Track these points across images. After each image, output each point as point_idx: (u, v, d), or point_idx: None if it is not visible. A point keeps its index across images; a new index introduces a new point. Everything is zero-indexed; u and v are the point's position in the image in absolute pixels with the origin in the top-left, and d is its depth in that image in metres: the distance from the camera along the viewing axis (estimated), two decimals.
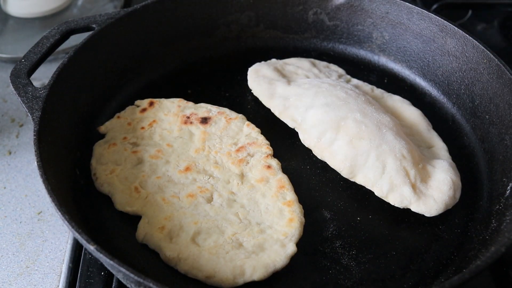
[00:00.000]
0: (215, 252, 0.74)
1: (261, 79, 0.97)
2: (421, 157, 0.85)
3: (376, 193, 0.83)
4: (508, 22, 1.28)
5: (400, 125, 0.90)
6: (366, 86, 1.00)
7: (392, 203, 0.82)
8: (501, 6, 1.27)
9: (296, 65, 1.02)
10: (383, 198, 0.83)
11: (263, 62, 1.03)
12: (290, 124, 0.92)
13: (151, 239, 0.77)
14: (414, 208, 0.81)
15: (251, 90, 0.98)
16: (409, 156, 0.83)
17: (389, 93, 0.99)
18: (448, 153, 0.90)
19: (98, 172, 0.85)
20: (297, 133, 0.93)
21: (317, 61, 1.05)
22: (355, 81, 1.01)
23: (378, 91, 0.99)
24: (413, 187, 0.81)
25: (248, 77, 0.99)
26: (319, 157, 0.89)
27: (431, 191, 0.82)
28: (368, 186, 0.84)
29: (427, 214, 0.81)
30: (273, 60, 1.04)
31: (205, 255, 0.74)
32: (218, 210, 0.79)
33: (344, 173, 0.85)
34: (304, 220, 0.79)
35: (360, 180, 0.84)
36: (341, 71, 1.04)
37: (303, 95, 0.92)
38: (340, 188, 0.87)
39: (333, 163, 0.86)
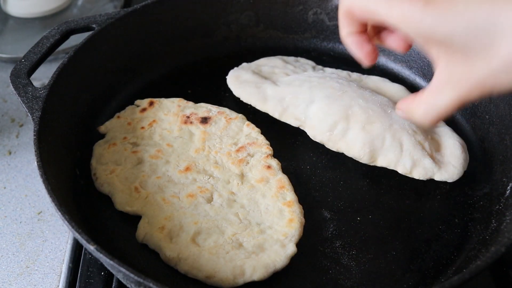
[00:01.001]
0: (215, 252, 0.74)
1: (245, 85, 0.97)
2: (425, 129, 0.89)
3: (400, 171, 0.85)
4: None
5: (394, 102, 0.92)
6: (342, 72, 1.01)
7: (416, 177, 0.85)
8: None
9: (269, 65, 1.02)
10: (407, 175, 0.85)
11: (236, 68, 1.02)
12: (294, 124, 0.92)
13: (151, 239, 0.77)
14: (437, 177, 0.85)
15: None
16: (418, 130, 0.87)
17: (365, 75, 1.00)
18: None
19: (98, 172, 0.85)
20: (297, 133, 0.93)
21: (285, 57, 1.05)
22: (329, 69, 1.02)
23: (356, 75, 1.00)
24: (432, 158, 0.85)
25: (231, 86, 0.98)
26: (334, 149, 0.89)
27: (447, 158, 0.86)
28: (391, 167, 0.86)
29: (450, 180, 0.85)
30: (244, 64, 1.03)
31: (205, 255, 0.74)
32: (218, 210, 0.80)
33: (365, 160, 0.86)
34: (304, 220, 0.79)
35: (381, 162, 0.86)
36: (311, 62, 1.05)
37: (298, 92, 0.92)
38: (340, 188, 0.87)
39: (351, 152, 0.87)
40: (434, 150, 0.87)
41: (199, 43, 1.09)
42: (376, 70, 1.06)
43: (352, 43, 0.69)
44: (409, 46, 0.68)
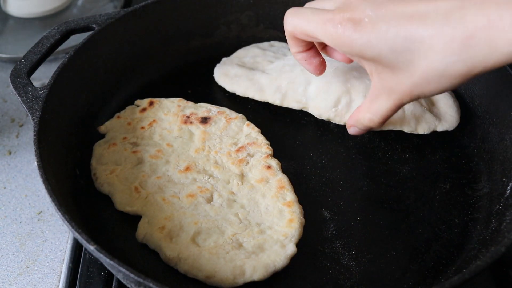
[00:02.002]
0: (215, 252, 0.74)
1: (237, 80, 0.98)
2: None
3: (406, 131, 0.90)
4: None
5: None
6: None
7: (421, 132, 0.90)
8: None
9: (249, 55, 1.03)
10: (412, 132, 0.90)
11: (219, 64, 1.03)
12: (296, 107, 0.95)
13: (151, 239, 0.77)
14: (439, 128, 0.90)
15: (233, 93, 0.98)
16: None
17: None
18: None
19: (98, 172, 0.85)
20: (297, 132, 0.93)
21: (260, 44, 1.07)
22: None
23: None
24: (431, 111, 0.90)
25: (223, 84, 0.99)
26: (341, 123, 0.92)
27: (442, 109, 0.91)
28: (397, 128, 0.90)
29: (451, 128, 0.91)
30: (224, 59, 1.04)
31: (205, 255, 0.74)
32: (218, 210, 0.80)
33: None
34: (304, 220, 0.79)
35: (388, 126, 0.90)
36: (285, 44, 1.06)
37: (293, 77, 0.94)
38: (340, 188, 0.87)
39: None
40: (429, 104, 0.91)
41: (199, 43, 1.09)
42: None
43: (301, 60, 0.80)
44: (351, 60, 0.77)
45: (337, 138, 0.94)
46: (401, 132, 0.94)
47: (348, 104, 0.90)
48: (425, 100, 0.92)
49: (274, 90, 0.95)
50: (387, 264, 0.78)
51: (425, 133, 0.90)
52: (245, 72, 0.99)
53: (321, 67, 0.82)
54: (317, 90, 0.92)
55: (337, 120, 0.92)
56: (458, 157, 0.92)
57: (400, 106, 0.68)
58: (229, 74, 0.99)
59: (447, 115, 0.91)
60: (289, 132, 0.94)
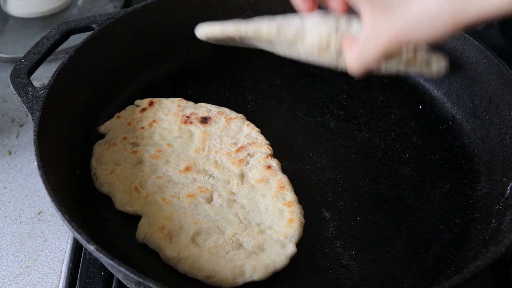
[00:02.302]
0: (215, 252, 0.74)
1: (226, 24, 0.88)
2: None
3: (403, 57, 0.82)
4: (508, 22, 1.28)
5: None
6: None
7: (418, 62, 0.81)
8: None
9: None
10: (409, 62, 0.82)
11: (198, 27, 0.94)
12: (294, 35, 0.84)
13: (151, 239, 0.77)
14: (435, 66, 0.83)
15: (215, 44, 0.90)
16: None
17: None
18: None
19: (98, 172, 0.85)
20: (297, 132, 0.93)
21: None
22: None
23: None
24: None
25: (207, 31, 0.88)
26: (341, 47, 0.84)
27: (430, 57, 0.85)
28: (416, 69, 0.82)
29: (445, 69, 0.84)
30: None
31: (205, 255, 0.74)
32: (218, 210, 0.79)
33: None
34: (304, 220, 0.79)
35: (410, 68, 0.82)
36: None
37: (285, 18, 0.86)
38: (340, 188, 0.87)
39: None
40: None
41: (199, 43, 1.08)
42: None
43: None
44: (347, 7, 0.76)
45: (337, 138, 0.94)
46: (401, 132, 0.94)
47: (348, 24, 0.81)
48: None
49: (268, 24, 0.85)
50: (387, 264, 0.78)
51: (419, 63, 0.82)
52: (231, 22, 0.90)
53: (312, 2, 0.79)
54: (314, 22, 0.83)
55: (338, 44, 0.82)
56: (458, 157, 0.92)
57: (385, 53, 0.66)
58: (214, 25, 0.88)
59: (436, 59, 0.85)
60: (289, 132, 0.94)
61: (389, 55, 0.67)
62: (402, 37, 0.63)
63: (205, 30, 0.89)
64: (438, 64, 0.87)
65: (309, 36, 0.84)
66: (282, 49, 0.88)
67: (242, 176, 0.85)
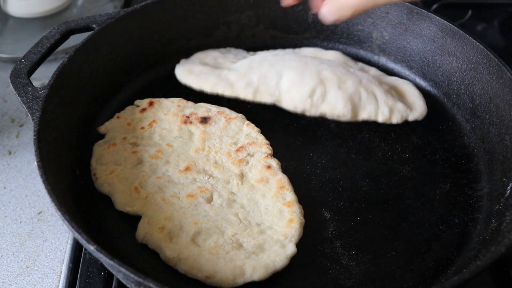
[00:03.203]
0: (215, 252, 0.74)
1: (203, 76, 0.97)
2: (383, 81, 0.97)
3: (380, 120, 0.93)
4: (508, 22, 1.28)
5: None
6: (276, 51, 1.04)
7: (395, 122, 0.93)
8: (501, 6, 1.27)
9: (209, 57, 1.03)
10: (385, 122, 0.92)
11: (179, 64, 1.01)
12: (269, 100, 0.95)
13: (151, 239, 0.77)
14: (411, 117, 0.95)
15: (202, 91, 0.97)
16: (381, 81, 0.95)
17: (298, 48, 1.05)
18: (380, 71, 1.02)
19: (98, 172, 0.85)
20: (297, 132, 0.93)
21: (217, 49, 1.06)
22: (263, 52, 1.05)
23: (290, 50, 1.05)
24: (402, 101, 0.93)
25: (187, 81, 0.98)
26: (316, 114, 0.93)
27: (410, 99, 0.95)
28: (372, 118, 0.92)
29: (421, 118, 0.94)
30: (183, 60, 1.03)
31: (205, 255, 0.74)
32: (218, 210, 0.79)
33: (348, 116, 0.92)
34: (304, 220, 0.79)
35: (363, 116, 0.92)
36: (242, 50, 1.07)
37: (263, 71, 0.95)
38: (340, 188, 0.87)
39: (336, 112, 0.92)
40: (398, 95, 0.95)
41: (199, 43, 1.09)
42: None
43: None
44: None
45: (337, 138, 0.94)
46: (401, 132, 0.94)
47: (323, 95, 0.92)
48: (394, 92, 0.94)
49: (245, 85, 0.95)
50: (387, 264, 0.78)
51: (398, 122, 0.92)
52: (211, 69, 0.98)
53: None
54: (291, 82, 0.93)
55: (313, 111, 0.93)
56: (458, 157, 0.92)
57: (362, 7, 0.71)
58: (193, 71, 0.98)
59: (416, 105, 0.94)
60: (289, 132, 0.94)
61: (365, 8, 0.72)
62: None
63: (184, 78, 0.98)
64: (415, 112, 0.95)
65: (284, 101, 0.94)
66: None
67: (242, 176, 0.85)
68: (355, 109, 0.92)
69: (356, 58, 1.07)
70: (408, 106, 0.94)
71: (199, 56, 1.04)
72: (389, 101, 0.92)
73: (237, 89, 0.95)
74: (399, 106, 0.93)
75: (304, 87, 0.92)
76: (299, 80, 0.92)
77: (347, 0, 0.72)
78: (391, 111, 0.92)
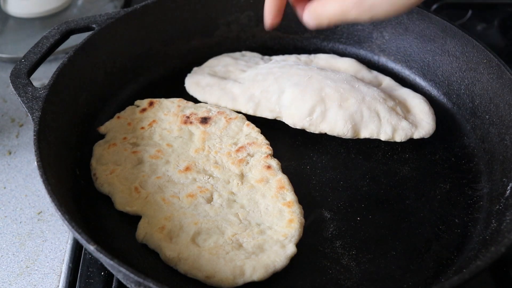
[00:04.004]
0: (215, 252, 0.74)
1: (209, 89, 0.97)
2: (389, 94, 0.94)
3: (382, 139, 0.90)
4: (508, 22, 1.28)
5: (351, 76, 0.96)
6: (291, 57, 1.03)
7: (398, 140, 0.90)
8: (501, 6, 1.27)
9: (220, 64, 1.03)
10: (389, 140, 0.90)
11: (189, 74, 1.02)
12: (270, 116, 0.93)
13: (151, 239, 0.77)
14: (416, 136, 0.90)
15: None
16: (387, 96, 0.92)
17: (313, 55, 1.04)
18: (394, 81, 0.99)
19: (98, 172, 0.85)
20: (297, 133, 0.93)
21: (231, 54, 1.06)
22: (277, 57, 1.04)
23: (304, 56, 1.03)
24: (407, 119, 0.90)
25: (194, 93, 0.98)
26: (316, 132, 0.91)
27: (418, 116, 0.92)
28: (374, 136, 0.90)
29: (427, 135, 0.91)
30: (195, 68, 1.03)
31: (205, 255, 0.74)
32: (218, 210, 0.79)
33: (349, 135, 0.90)
34: (304, 221, 0.79)
35: (364, 134, 0.90)
36: (257, 54, 1.06)
37: (266, 85, 0.94)
38: (340, 188, 0.87)
39: (336, 131, 0.90)
40: (405, 112, 0.92)
41: (199, 43, 1.09)
42: (376, 70, 1.06)
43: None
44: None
45: (337, 138, 0.94)
46: None
47: (323, 113, 0.90)
48: (401, 108, 0.91)
49: (247, 100, 0.94)
50: (387, 264, 0.78)
51: (402, 140, 0.89)
52: (217, 81, 0.98)
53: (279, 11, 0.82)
54: (292, 99, 0.91)
55: (312, 129, 0.91)
56: (458, 157, 0.92)
57: (343, 16, 0.71)
58: (200, 84, 0.98)
59: (423, 122, 0.91)
60: (289, 132, 0.94)
61: (346, 19, 0.72)
62: (362, 5, 0.69)
63: (191, 90, 0.99)
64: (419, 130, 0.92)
65: (284, 117, 0.93)
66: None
67: (242, 176, 0.85)
68: (356, 128, 0.89)
69: (356, 58, 1.07)
70: (415, 123, 0.91)
71: (211, 63, 1.04)
72: (393, 120, 0.90)
73: (239, 103, 0.94)
74: (404, 124, 0.90)
75: (304, 105, 0.90)
76: (300, 97, 0.90)
77: (321, 11, 0.73)
78: (394, 129, 0.89)
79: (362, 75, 1.00)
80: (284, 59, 1.01)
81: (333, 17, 0.73)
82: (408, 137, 0.90)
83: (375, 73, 1.01)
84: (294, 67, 0.96)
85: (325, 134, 0.91)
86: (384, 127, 0.89)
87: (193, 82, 0.99)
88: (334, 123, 0.89)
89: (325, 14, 0.74)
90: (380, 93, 0.92)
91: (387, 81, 1.00)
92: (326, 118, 0.90)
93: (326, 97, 0.90)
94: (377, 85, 0.98)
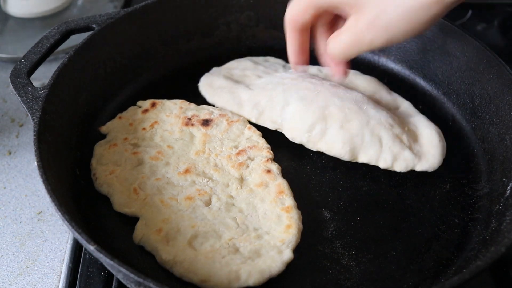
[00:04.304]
0: (211, 256, 0.74)
1: (220, 91, 0.96)
2: (401, 120, 0.91)
3: (381, 166, 0.87)
4: (508, 22, 1.28)
5: (368, 96, 0.93)
6: (313, 68, 1.01)
7: (398, 170, 0.86)
8: (501, 6, 1.28)
9: (239, 68, 1.02)
10: (388, 169, 0.87)
11: (207, 74, 1.01)
12: (271, 127, 0.92)
13: (148, 241, 0.77)
14: (418, 168, 0.86)
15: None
16: (395, 123, 0.88)
17: None
18: (413, 107, 0.96)
19: (98, 173, 0.85)
20: None
21: (254, 58, 1.05)
22: (301, 67, 1.01)
23: (326, 69, 1.00)
24: (411, 149, 0.87)
25: (205, 94, 0.98)
26: (314, 149, 0.90)
27: (425, 148, 0.88)
28: (372, 162, 0.87)
29: (431, 170, 0.87)
30: (214, 68, 1.03)
31: (201, 259, 0.74)
32: (216, 213, 0.79)
33: (346, 158, 0.87)
34: (302, 226, 0.78)
35: (362, 159, 0.87)
36: (281, 61, 1.05)
37: (273, 95, 0.92)
38: (340, 188, 0.87)
39: (333, 152, 0.88)
40: (412, 141, 0.88)
41: (199, 43, 1.09)
42: (376, 70, 1.06)
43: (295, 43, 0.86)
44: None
45: None
46: None
47: (323, 132, 0.88)
48: (408, 137, 0.88)
49: (252, 107, 0.93)
50: (387, 264, 0.78)
51: (402, 171, 0.87)
52: (229, 84, 0.97)
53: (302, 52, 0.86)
54: (294, 112, 0.90)
55: (310, 146, 0.90)
56: (458, 157, 0.92)
57: (357, 46, 0.73)
58: (213, 85, 0.98)
59: (429, 155, 0.87)
60: None
61: (360, 50, 0.74)
62: (366, 36, 0.71)
63: (203, 90, 0.99)
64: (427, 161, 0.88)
65: (284, 130, 0.91)
66: None
67: (241, 179, 0.84)
68: (354, 151, 0.87)
69: (356, 58, 1.06)
70: (419, 154, 0.87)
71: (231, 64, 1.03)
72: (395, 148, 0.86)
73: (244, 110, 0.94)
74: (406, 154, 0.86)
75: (305, 121, 0.88)
76: (303, 112, 0.89)
77: (336, 43, 0.75)
78: (394, 158, 0.86)
79: (381, 95, 0.96)
80: (304, 69, 0.98)
81: (349, 46, 0.74)
82: (408, 169, 0.86)
83: (395, 95, 0.97)
84: (306, 80, 0.93)
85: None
86: (385, 154, 0.86)
87: (207, 83, 0.99)
88: (332, 144, 0.87)
89: (340, 45, 0.75)
90: (389, 118, 0.88)
91: (405, 105, 0.96)
92: (324, 137, 0.88)
93: (329, 116, 0.88)
94: (394, 108, 0.95)
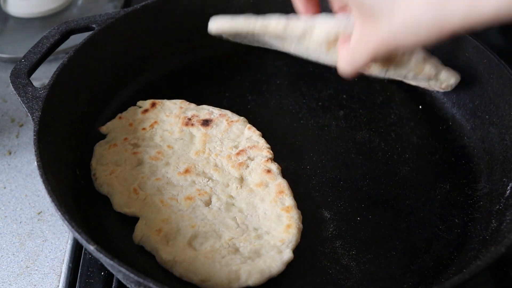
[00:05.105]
0: (211, 256, 0.74)
1: (235, 19, 0.89)
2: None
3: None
4: (508, 22, 1.28)
5: None
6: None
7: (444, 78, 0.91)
8: None
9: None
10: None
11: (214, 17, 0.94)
12: (301, 30, 0.83)
13: (148, 241, 0.77)
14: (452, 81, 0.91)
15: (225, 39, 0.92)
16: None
17: None
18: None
19: (98, 173, 0.85)
20: (297, 133, 0.93)
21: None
22: None
23: None
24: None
25: (218, 26, 0.89)
26: None
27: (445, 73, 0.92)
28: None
29: (457, 80, 0.92)
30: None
31: (201, 259, 0.74)
32: (216, 213, 0.79)
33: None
34: (302, 226, 0.79)
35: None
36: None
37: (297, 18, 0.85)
38: (340, 188, 0.87)
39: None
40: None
41: (199, 43, 1.09)
42: None
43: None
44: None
45: (337, 138, 0.94)
46: (401, 132, 0.94)
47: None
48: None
49: (277, 19, 0.85)
50: (387, 264, 0.78)
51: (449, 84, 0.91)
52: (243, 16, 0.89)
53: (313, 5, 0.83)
54: (323, 19, 0.81)
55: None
56: (458, 157, 0.92)
57: (374, 57, 0.68)
58: (226, 18, 0.89)
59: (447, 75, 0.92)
60: (289, 132, 0.94)
61: (377, 59, 0.71)
62: (389, 43, 0.65)
63: (216, 24, 0.90)
64: (447, 80, 0.89)
65: (317, 31, 0.82)
66: (292, 47, 0.87)
67: (241, 179, 0.84)
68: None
69: None
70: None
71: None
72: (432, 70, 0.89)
73: (269, 22, 0.85)
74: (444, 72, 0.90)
75: (337, 20, 0.79)
76: (332, 18, 0.80)
77: (342, 63, 0.73)
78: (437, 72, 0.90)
79: None
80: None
81: (353, 68, 0.72)
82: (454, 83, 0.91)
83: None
84: None
85: (327, 131, 0.89)
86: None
87: (218, 19, 0.90)
88: None
89: (344, 67, 0.73)
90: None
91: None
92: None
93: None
94: None
